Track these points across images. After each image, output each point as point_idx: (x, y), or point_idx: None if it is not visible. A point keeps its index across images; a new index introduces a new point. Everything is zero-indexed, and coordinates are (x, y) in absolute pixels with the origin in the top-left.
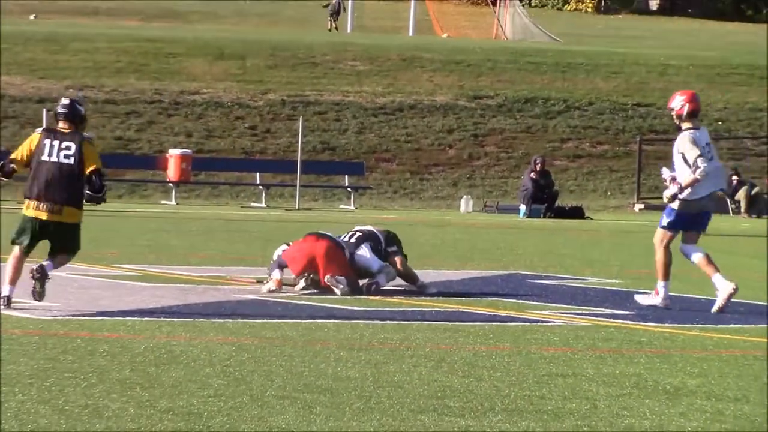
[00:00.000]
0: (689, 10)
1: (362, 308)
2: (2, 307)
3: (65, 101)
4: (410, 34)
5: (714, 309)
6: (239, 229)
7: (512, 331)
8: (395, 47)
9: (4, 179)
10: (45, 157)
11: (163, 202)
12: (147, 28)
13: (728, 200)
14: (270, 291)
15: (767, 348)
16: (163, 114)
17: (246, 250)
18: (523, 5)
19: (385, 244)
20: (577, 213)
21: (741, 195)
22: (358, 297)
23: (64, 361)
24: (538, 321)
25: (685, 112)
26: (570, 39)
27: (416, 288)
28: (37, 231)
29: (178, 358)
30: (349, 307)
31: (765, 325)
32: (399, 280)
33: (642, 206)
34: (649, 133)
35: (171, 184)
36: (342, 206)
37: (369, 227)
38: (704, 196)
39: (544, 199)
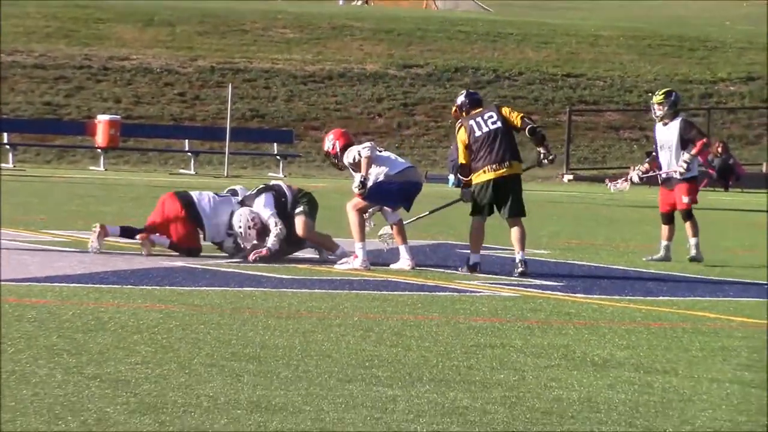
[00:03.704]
0: None
1: (290, 276)
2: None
3: (472, 92)
4: (340, 3)
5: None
6: None
7: (441, 301)
8: (325, 15)
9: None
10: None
11: (91, 168)
12: None
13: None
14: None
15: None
16: (92, 80)
17: None
18: None
19: (292, 201)
20: None
21: None
22: (286, 265)
23: None
24: (466, 291)
25: (338, 149)
26: (501, 9)
27: (335, 256)
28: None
29: (106, 325)
30: (277, 275)
31: (692, 298)
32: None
33: (571, 177)
34: (579, 104)
35: (99, 150)
36: (271, 174)
37: (279, 182)
38: (397, 172)
39: None
